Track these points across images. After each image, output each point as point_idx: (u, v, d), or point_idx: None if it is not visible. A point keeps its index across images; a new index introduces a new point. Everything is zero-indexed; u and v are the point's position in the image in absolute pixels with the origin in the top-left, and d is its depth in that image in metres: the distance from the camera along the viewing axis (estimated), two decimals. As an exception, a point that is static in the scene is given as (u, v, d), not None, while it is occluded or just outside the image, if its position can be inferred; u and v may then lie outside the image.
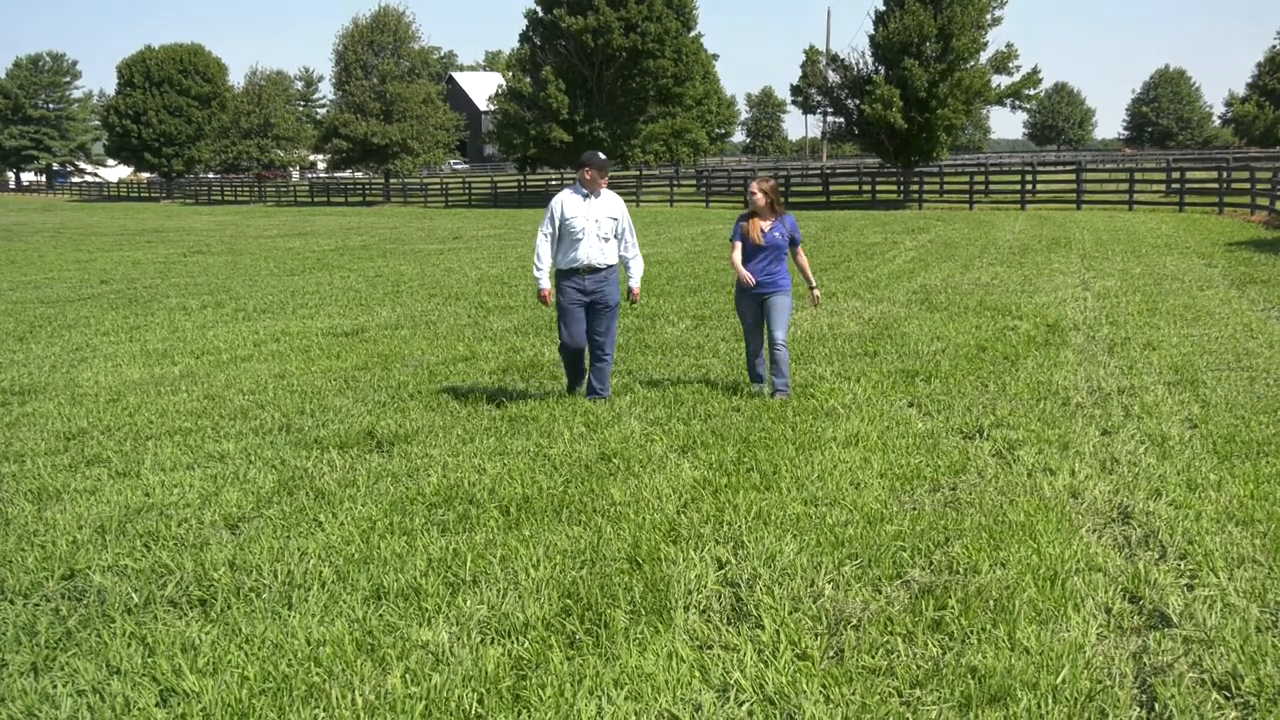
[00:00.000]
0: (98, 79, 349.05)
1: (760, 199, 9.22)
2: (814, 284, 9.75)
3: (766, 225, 9.23)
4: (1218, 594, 4.96)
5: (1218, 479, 6.69)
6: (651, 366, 10.97)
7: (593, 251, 9.03)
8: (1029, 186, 43.43)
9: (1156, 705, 4.03)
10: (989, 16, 49.14)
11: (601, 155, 9.10)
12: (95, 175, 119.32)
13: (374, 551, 5.70)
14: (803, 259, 9.63)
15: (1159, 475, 6.80)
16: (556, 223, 9.07)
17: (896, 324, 13.11)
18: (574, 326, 9.20)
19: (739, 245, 9.34)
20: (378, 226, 42.42)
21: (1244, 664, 4.26)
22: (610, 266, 9.17)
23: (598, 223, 9.05)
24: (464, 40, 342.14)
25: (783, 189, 44.98)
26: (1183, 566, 5.35)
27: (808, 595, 5.01)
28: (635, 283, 9.53)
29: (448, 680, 4.27)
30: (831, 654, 4.50)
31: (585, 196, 9.08)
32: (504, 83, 63.42)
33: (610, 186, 8.89)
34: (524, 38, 61.48)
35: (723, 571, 5.36)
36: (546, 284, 9.20)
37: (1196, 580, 5.17)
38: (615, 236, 9.24)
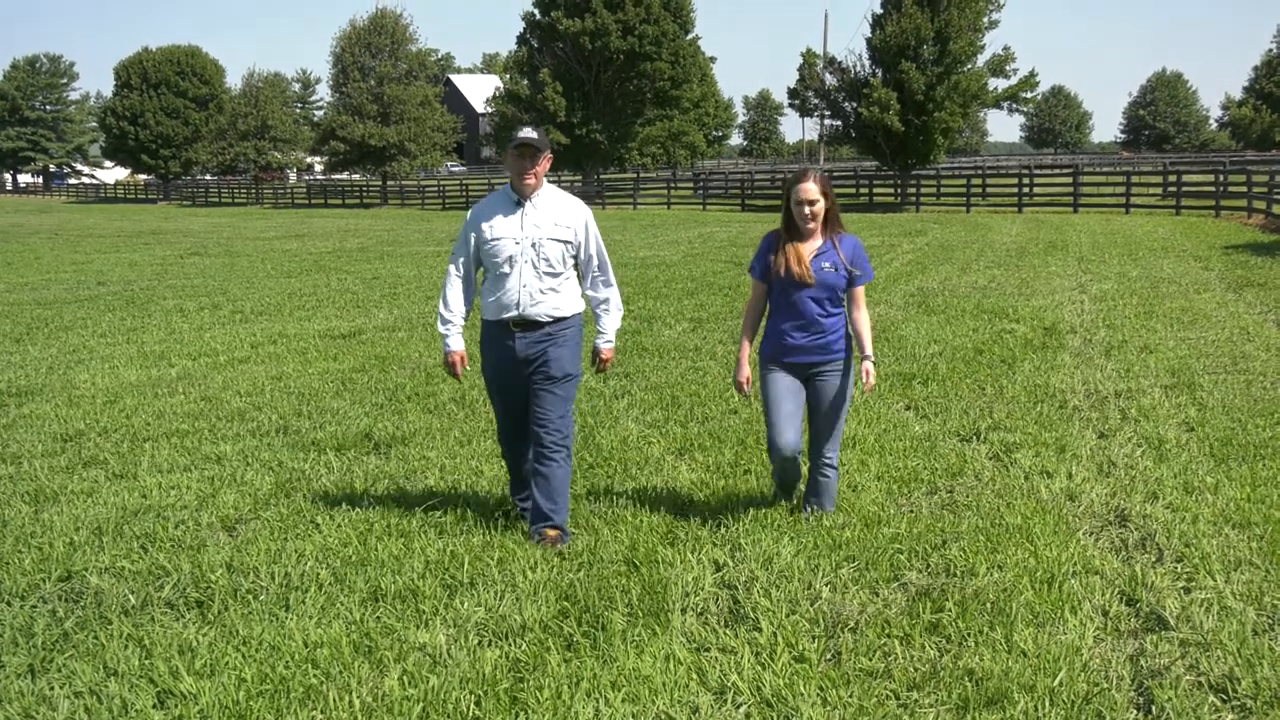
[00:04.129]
0: (95, 81, 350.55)
1: (819, 207, 5.71)
2: (869, 351, 5.88)
3: (812, 251, 5.78)
4: (1215, 597, 4.97)
5: (1214, 482, 6.70)
6: (649, 369, 10.96)
7: (527, 293, 5.74)
8: (1026, 190, 43.46)
9: (1153, 708, 4.04)
10: (986, 19, 49.13)
11: (529, 130, 5.72)
12: (92, 177, 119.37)
13: (371, 554, 5.70)
14: (861, 312, 5.94)
15: (1156, 478, 6.81)
16: (471, 246, 5.87)
17: (894, 326, 13.12)
18: (502, 411, 6.12)
19: (762, 289, 5.94)
20: (375, 229, 42.41)
21: (1241, 667, 4.27)
22: (560, 320, 5.82)
23: (535, 247, 5.72)
24: (461, 43, 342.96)
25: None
26: (1180, 569, 5.35)
27: (805, 598, 5.01)
28: (607, 341, 6.05)
29: (445, 682, 4.27)
30: (829, 656, 4.50)
31: (516, 203, 5.77)
32: (501, 85, 63.46)
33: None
34: (521, 40, 61.59)
35: (720, 574, 5.36)
36: (458, 344, 6.05)
37: (1193, 583, 5.17)
38: (569, 266, 5.88)
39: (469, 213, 5.92)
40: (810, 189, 5.66)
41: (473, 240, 5.84)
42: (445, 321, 5.98)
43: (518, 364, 5.84)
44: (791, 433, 5.82)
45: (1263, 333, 12.21)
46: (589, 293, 6.04)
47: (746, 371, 5.95)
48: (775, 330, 5.88)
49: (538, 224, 5.72)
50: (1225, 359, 10.68)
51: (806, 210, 5.67)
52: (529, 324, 5.78)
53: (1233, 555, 5.48)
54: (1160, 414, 8.48)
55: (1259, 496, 6.39)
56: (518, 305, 5.74)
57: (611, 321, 6.05)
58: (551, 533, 5.81)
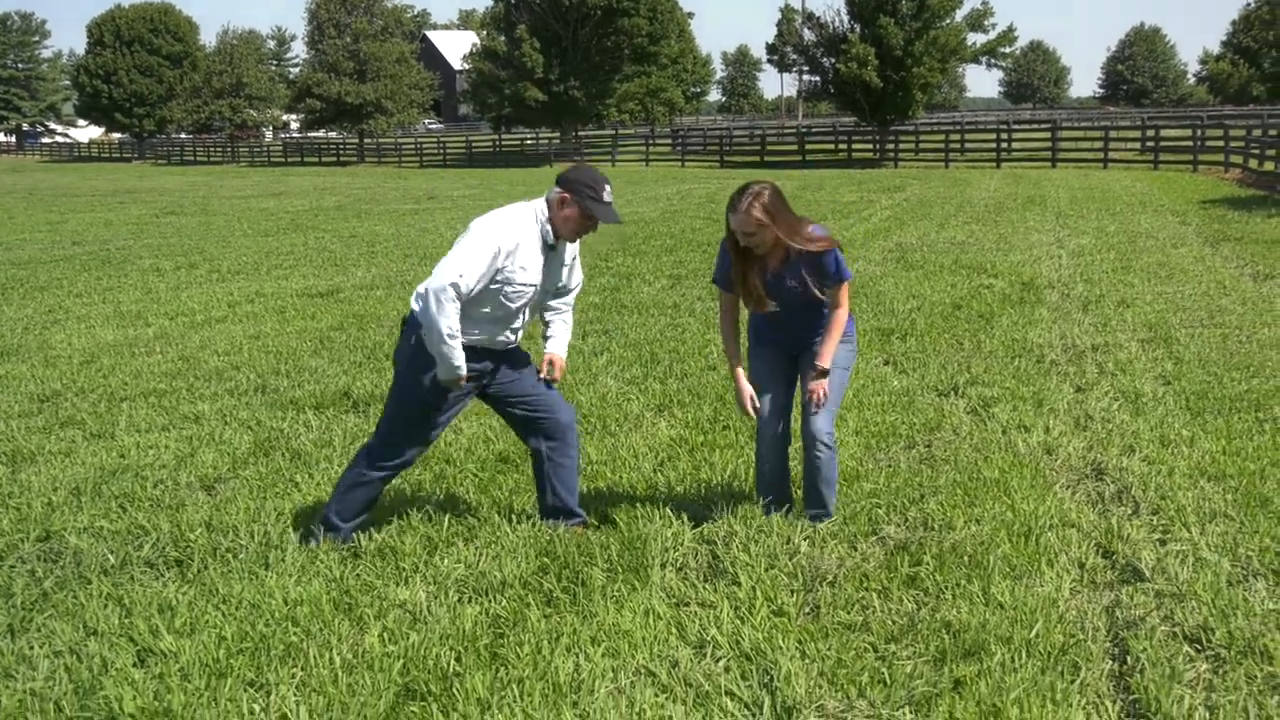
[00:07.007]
0: (67, 38, 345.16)
1: (758, 237, 4.89)
2: (825, 362, 5.10)
3: (774, 270, 5.06)
4: (1190, 548, 5.01)
5: (1190, 435, 6.74)
6: (628, 326, 10.95)
7: (524, 330, 5.28)
8: (1004, 145, 43.46)
9: (1128, 658, 4.08)
10: (964, -27, 49.01)
11: (610, 198, 5.00)
12: (66, 136, 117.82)
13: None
14: (839, 310, 5.12)
15: (1132, 431, 6.85)
16: (485, 279, 4.87)
17: (872, 282, 13.12)
18: (433, 425, 5.33)
19: (730, 298, 5.27)
20: (352, 187, 42.12)
21: (1215, 617, 4.31)
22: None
23: (546, 294, 5.26)
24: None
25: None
26: (1155, 521, 5.40)
27: (784, 552, 5.03)
28: (561, 348, 5.45)
29: (425, 639, 4.28)
30: (807, 610, 4.53)
31: (552, 247, 5.09)
32: (478, 42, 62.88)
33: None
34: (498, -5, 60.98)
35: (699, 529, 5.37)
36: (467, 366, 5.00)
37: (1169, 535, 5.22)
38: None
39: (497, 240, 4.86)
40: (740, 221, 4.85)
41: (496, 276, 4.91)
42: (450, 343, 4.86)
43: (479, 378, 5.20)
44: (773, 436, 5.35)
45: (1239, 286, 12.27)
46: (550, 302, 5.38)
47: (748, 390, 5.25)
48: (756, 322, 5.36)
49: (560, 264, 5.20)
50: (1202, 313, 10.73)
51: (746, 243, 4.94)
52: (503, 349, 5.23)
53: (1208, 507, 5.53)
54: (1137, 368, 8.52)
55: (1234, 449, 6.44)
56: (514, 341, 5.24)
57: (567, 332, 5.48)
58: (583, 528, 5.46)
